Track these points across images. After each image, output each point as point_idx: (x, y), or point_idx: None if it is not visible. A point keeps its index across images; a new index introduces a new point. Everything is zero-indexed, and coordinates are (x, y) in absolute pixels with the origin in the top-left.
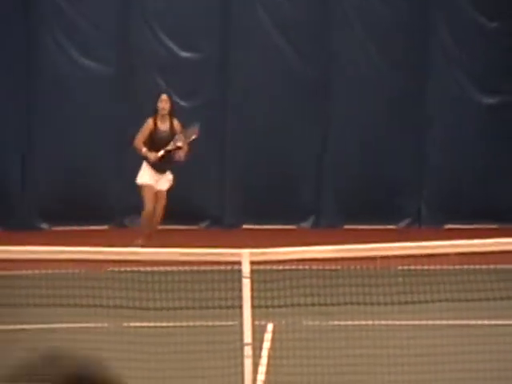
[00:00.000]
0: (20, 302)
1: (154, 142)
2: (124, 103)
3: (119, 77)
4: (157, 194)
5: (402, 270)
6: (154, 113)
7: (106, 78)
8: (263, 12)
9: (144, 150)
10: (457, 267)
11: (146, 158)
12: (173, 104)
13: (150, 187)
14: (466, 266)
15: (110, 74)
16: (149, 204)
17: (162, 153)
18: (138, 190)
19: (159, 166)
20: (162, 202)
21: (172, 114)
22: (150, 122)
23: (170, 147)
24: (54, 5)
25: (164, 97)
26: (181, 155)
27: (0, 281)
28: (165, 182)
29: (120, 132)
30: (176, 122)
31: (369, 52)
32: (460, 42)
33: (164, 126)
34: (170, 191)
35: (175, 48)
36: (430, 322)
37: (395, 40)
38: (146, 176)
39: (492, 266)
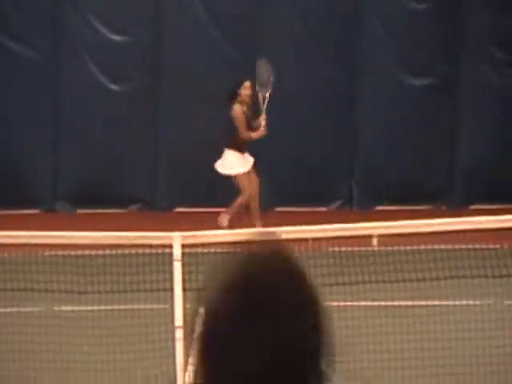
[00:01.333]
0: None
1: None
2: (54, 88)
3: (49, 61)
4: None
5: (333, 251)
6: (233, 98)
7: (35, 62)
8: None
9: (253, 134)
10: (388, 248)
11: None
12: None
13: (244, 174)
14: (396, 247)
15: (39, 59)
16: (247, 191)
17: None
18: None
19: (245, 147)
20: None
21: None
22: (239, 110)
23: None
24: None
25: (248, 84)
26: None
27: None
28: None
29: (50, 117)
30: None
31: (298, 34)
32: (389, 24)
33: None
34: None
35: (106, 31)
36: (362, 303)
37: (324, 23)
38: (242, 164)
39: (423, 247)
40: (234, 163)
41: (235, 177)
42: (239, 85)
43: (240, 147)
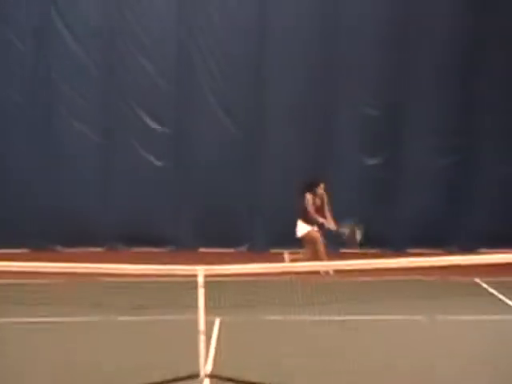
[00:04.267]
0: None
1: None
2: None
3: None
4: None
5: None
6: (309, 190)
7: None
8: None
9: (321, 220)
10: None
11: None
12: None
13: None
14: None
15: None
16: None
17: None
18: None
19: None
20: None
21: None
22: (309, 198)
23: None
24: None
25: (322, 185)
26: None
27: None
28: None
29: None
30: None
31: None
32: None
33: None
34: None
35: (155, 125)
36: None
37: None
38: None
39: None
40: (301, 229)
41: (303, 237)
42: (317, 183)
43: (308, 221)
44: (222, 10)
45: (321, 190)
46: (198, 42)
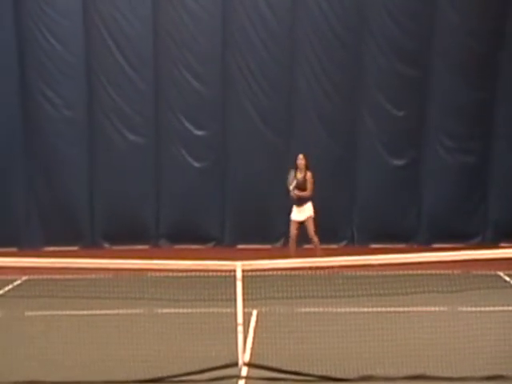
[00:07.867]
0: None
1: (296, 186)
2: (156, 168)
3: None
4: (303, 222)
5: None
6: (296, 166)
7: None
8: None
9: (292, 193)
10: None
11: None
12: (307, 161)
13: (292, 221)
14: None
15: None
16: (291, 232)
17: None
18: None
19: (298, 203)
20: (309, 226)
21: (308, 167)
22: (291, 172)
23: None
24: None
25: (300, 156)
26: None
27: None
28: (303, 213)
29: (154, 185)
30: (309, 174)
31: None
32: None
33: (300, 175)
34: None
35: (192, 127)
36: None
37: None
38: (292, 213)
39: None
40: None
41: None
42: (296, 157)
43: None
44: (260, 30)
45: (299, 160)
46: (237, 58)
